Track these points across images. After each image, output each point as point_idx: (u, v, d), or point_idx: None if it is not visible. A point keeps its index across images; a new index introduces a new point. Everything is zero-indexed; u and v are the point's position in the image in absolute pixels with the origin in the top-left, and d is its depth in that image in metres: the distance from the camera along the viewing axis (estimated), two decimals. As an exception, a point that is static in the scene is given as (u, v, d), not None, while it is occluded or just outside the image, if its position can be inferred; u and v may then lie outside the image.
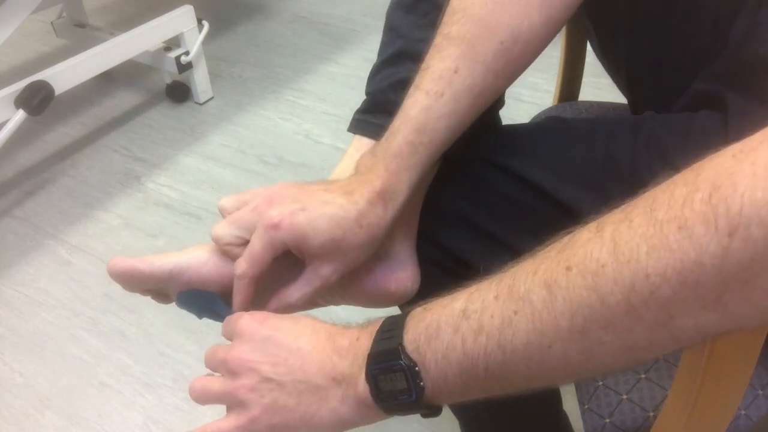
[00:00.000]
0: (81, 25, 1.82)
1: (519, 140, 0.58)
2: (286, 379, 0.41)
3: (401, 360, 0.38)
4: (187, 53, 1.69)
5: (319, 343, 0.42)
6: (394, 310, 0.64)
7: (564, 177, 0.52)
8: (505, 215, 0.54)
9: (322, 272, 0.48)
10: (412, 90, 0.49)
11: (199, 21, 1.70)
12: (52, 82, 1.40)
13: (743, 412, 0.52)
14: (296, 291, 0.49)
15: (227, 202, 0.51)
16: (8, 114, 1.36)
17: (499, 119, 0.58)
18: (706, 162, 0.31)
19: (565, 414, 0.79)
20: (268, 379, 0.42)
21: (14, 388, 1.10)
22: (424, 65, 0.49)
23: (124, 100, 1.85)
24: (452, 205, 0.55)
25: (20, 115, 1.36)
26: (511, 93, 0.62)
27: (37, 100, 1.37)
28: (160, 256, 0.51)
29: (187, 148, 1.65)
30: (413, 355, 0.38)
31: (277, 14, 2.28)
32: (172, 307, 0.56)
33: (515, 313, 0.34)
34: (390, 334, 0.40)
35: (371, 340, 0.40)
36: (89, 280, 1.29)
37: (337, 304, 0.56)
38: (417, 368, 0.37)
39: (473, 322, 0.35)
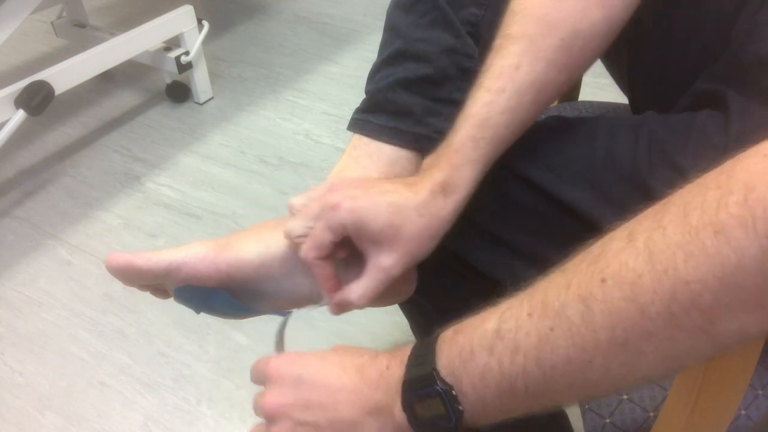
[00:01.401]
0: (81, 25, 1.82)
1: (521, 139, 0.58)
2: (321, 420, 0.41)
3: (437, 385, 0.37)
4: (187, 53, 1.69)
5: (349, 378, 0.42)
6: (395, 309, 0.64)
7: (565, 177, 0.52)
8: (505, 214, 0.54)
9: (384, 263, 0.47)
10: (473, 90, 0.49)
11: (199, 21, 1.70)
12: (52, 82, 1.40)
13: (743, 412, 0.52)
14: (358, 287, 0.48)
15: (297, 199, 0.51)
16: (8, 114, 1.36)
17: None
18: (735, 163, 0.30)
19: (565, 414, 0.79)
20: (303, 423, 0.42)
21: (14, 388, 1.10)
22: (484, 67, 0.49)
23: (124, 100, 1.85)
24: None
25: (20, 115, 1.36)
26: (511, 93, 0.62)
27: (37, 100, 1.37)
28: (158, 252, 0.51)
29: (187, 148, 1.65)
30: (449, 380, 0.37)
31: (277, 14, 2.27)
32: (173, 307, 0.56)
33: (552, 329, 0.33)
34: (422, 359, 0.39)
35: (402, 368, 0.40)
36: (89, 280, 1.29)
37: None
38: (454, 392, 0.37)
39: (508, 342, 0.35)
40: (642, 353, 0.31)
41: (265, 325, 1.09)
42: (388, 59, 0.56)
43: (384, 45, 0.57)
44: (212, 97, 1.83)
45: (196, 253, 0.51)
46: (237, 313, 0.55)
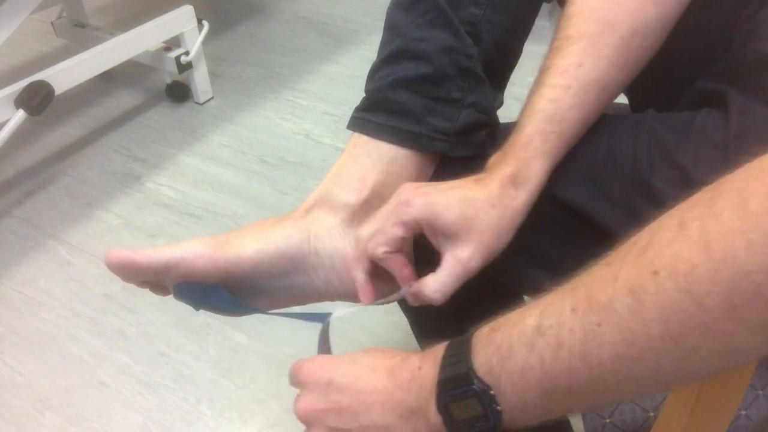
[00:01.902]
0: (81, 25, 1.82)
1: None
2: (353, 426, 0.41)
3: (474, 384, 0.36)
4: (187, 53, 1.69)
5: (380, 381, 0.41)
6: (395, 309, 0.64)
7: (565, 175, 0.52)
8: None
9: (461, 256, 0.46)
10: (534, 88, 0.49)
11: (199, 21, 1.70)
12: (52, 82, 1.40)
13: (743, 412, 0.52)
14: (434, 282, 0.47)
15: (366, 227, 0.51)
16: (8, 114, 1.36)
17: (496, 118, 0.58)
18: None
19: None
20: (335, 429, 0.41)
21: (14, 388, 1.10)
22: (543, 67, 0.50)
23: (124, 100, 1.85)
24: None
25: (20, 115, 1.36)
26: (511, 93, 0.62)
27: (37, 100, 1.37)
28: (157, 248, 0.52)
29: (187, 148, 1.65)
30: (486, 379, 0.36)
31: (277, 14, 2.27)
32: (173, 307, 0.56)
33: (598, 325, 0.32)
34: (457, 358, 0.38)
35: (436, 368, 0.39)
36: (89, 280, 1.29)
37: (332, 300, 0.57)
38: (492, 392, 0.35)
39: (550, 338, 0.33)
40: (696, 348, 0.29)
41: (265, 325, 1.09)
42: (387, 58, 0.56)
43: (384, 44, 0.57)
44: (212, 97, 1.83)
45: (194, 249, 0.52)
46: (236, 310, 0.55)
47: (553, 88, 0.48)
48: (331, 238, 0.53)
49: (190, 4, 1.66)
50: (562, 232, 0.51)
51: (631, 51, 0.49)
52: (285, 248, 0.52)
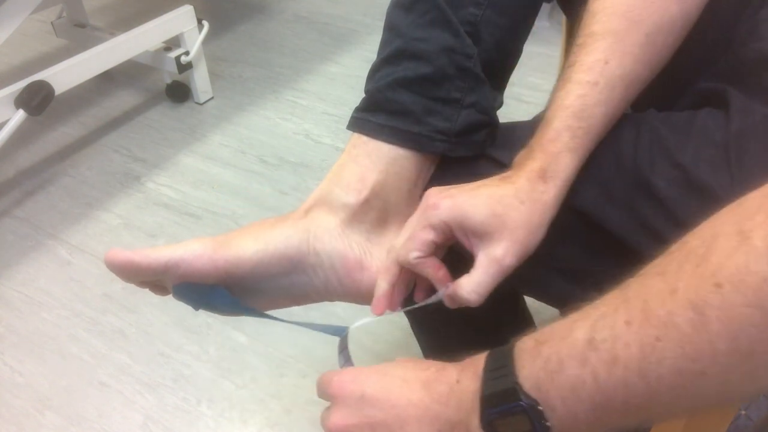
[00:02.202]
0: (81, 25, 1.82)
1: (521, 137, 0.58)
2: None
3: (521, 401, 0.35)
4: (187, 53, 1.69)
5: (414, 394, 0.40)
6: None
7: None
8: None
9: (495, 254, 0.45)
10: (560, 84, 0.49)
11: (199, 21, 1.70)
12: (52, 82, 1.40)
13: (743, 412, 0.52)
14: (469, 282, 0.46)
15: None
16: (8, 114, 1.36)
17: (496, 118, 0.58)
18: None
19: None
20: None
21: (14, 388, 1.10)
22: (568, 63, 0.50)
23: (124, 100, 1.85)
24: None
25: (20, 115, 1.36)
26: (511, 93, 0.62)
27: (37, 100, 1.37)
28: (156, 248, 0.51)
29: (187, 148, 1.65)
30: (533, 393, 0.35)
31: (277, 14, 2.27)
32: (173, 307, 0.56)
33: (658, 339, 0.30)
34: (500, 372, 0.36)
35: (476, 381, 0.37)
36: (89, 280, 1.29)
37: (331, 300, 0.57)
38: (540, 407, 0.34)
39: (604, 353, 0.32)
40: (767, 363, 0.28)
41: (265, 325, 1.09)
42: (387, 58, 0.56)
43: (383, 44, 0.57)
44: (212, 97, 1.83)
45: (194, 250, 0.52)
46: (236, 311, 0.55)
47: (579, 84, 0.48)
48: (330, 238, 0.53)
49: (190, 4, 1.66)
50: (563, 232, 0.51)
51: (655, 48, 0.49)
52: (284, 248, 0.52)
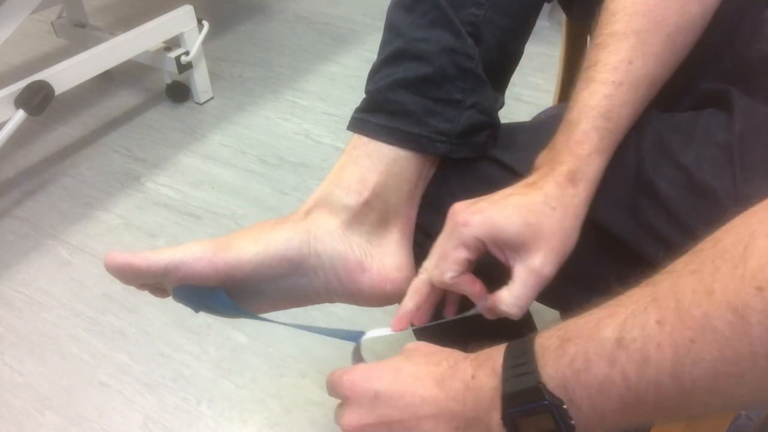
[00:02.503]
0: (81, 25, 1.82)
1: (523, 138, 0.58)
2: None
3: (546, 400, 0.34)
4: (187, 53, 1.69)
5: (428, 392, 0.39)
6: (395, 308, 0.64)
7: None
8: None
9: (533, 264, 0.44)
10: (583, 84, 0.48)
11: (199, 21, 1.70)
12: (52, 82, 1.40)
13: (743, 412, 0.52)
14: (508, 295, 0.44)
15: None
16: (8, 114, 1.36)
17: (497, 119, 0.58)
18: None
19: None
20: None
21: (14, 388, 1.10)
22: (589, 62, 0.49)
23: (124, 100, 1.85)
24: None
25: (20, 115, 1.36)
26: (511, 93, 0.62)
27: (37, 100, 1.37)
28: (156, 251, 0.51)
29: (187, 148, 1.65)
30: (558, 392, 0.34)
31: (277, 14, 2.27)
32: (172, 307, 0.56)
33: (693, 341, 0.30)
34: (522, 370, 0.36)
35: (494, 378, 0.37)
36: (89, 280, 1.29)
37: (332, 302, 0.56)
38: (565, 407, 0.34)
39: (634, 353, 0.32)
40: None
41: (265, 325, 1.09)
42: (388, 59, 0.56)
43: (384, 44, 0.57)
44: (212, 97, 1.83)
45: (194, 252, 0.51)
46: (235, 314, 0.55)
47: (605, 84, 0.47)
48: (331, 240, 0.53)
49: (190, 4, 1.66)
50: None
51: (675, 48, 0.49)
52: (285, 250, 0.52)
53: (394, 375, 0.41)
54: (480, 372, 0.38)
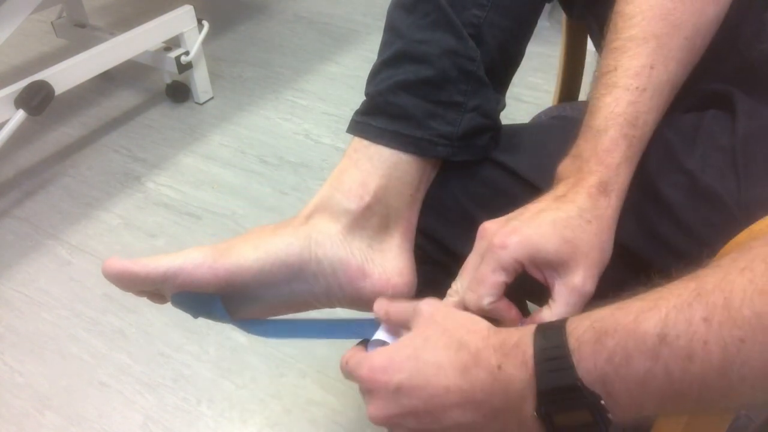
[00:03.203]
0: (81, 25, 1.82)
1: (525, 140, 0.57)
2: (436, 427, 0.39)
3: (585, 397, 0.34)
4: (187, 53, 1.69)
5: (451, 381, 0.38)
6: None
7: None
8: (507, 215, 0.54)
9: (574, 282, 0.43)
10: (605, 89, 0.47)
11: (199, 21, 1.70)
12: (52, 82, 1.40)
13: (743, 412, 0.52)
14: (552, 316, 0.43)
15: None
16: (8, 114, 1.36)
17: (499, 122, 0.58)
18: None
19: None
20: (419, 430, 0.39)
21: (14, 388, 1.10)
22: (608, 68, 0.48)
23: (124, 100, 1.85)
24: (456, 205, 0.55)
25: (20, 115, 1.36)
26: (511, 93, 0.62)
27: (37, 100, 1.37)
28: (155, 257, 0.51)
29: (187, 148, 1.65)
30: (596, 387, 0.34)
31: (277, 14, 2.27)
32: (172, 308, 0.56)
33: (742, 341, 0.29)
34: (557, 365, 0.35)
35: (524, 370, 0.36)
36: (89, 280, 1.29)
37: (333, 307, 0.56)
38: (602, 401, 0.33)
39: (679, 349, 0.31)
40: None
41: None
42: (388, 61, 0.55)
43: (384, 46, 0.57)
44: (212, 97, 1.83)
45: (193, 259, 0.51)
46: (230, 322, 0.55)
47: (628, 90, 0.46)
48: (332, 245, 0.53)
49: (190, 4, 1.66)
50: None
51: (694, 50, 0.49)
52: (285, 256, 0.52)
53: (414, 364, 0.40)
54: (507, 362, 0.37)
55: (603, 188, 0.44)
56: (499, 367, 0.37)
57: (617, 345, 0.33)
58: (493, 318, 0.45)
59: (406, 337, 0.42)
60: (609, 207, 0.44)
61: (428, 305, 0.44)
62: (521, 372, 0.36)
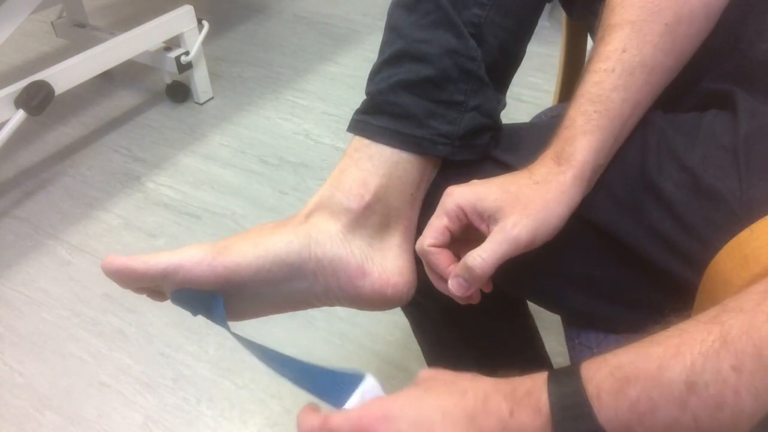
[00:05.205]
0: (81, 25, 1.82)
1: (525, 140, 0.57)
2: None
3: None
4: (187, 53, 1.69)
5: (459, 428, 0.36)
6: (396, 309, 0.64)
7: None
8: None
9: (506, 225, 0.44)
10: (580, 77, 0.50)
11: (199, 21, 1.70)
12: (52, 82, 1.40)
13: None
14: (476, 250, 0.44)
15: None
16: (8, 114, 1.36)
17: (500, 121, 0.58)
18: None
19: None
20: None
21: (14, 388, 1.10)
22: (588, 58, 0.50)
23: (124, 100, 1.85)
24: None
25: (20, 115, 1.36)
26: (511, 93, 0.62)
27: (37, 100, 1.37)
28: (155, 255, 0.50)
29: (187, 148, 1.65)
30: None
31: (277, 14, 2.27)
32: (173, 307, 0.56)
33: None
34: (576, 412, 0.34)
35: (539, 418, 0.34)
36: (89, 280, 1.29)
37: (332, 306, 0.56)
38: None
39: (708, 398, 0.30)
40: None
41: (265, 324, 1.09)
42: (388, 60, 0.55)
43: (385, 45, 0.57)
44: (212, 97, 1.83)
45: (193, 256, 0.51)
46: (223, 325, 0.55)
47: (596, 72, 0.48)
48: (332, 244, 0.53)
49: (190, 4, 1.66)
50: (571, 238, 0.50)
51: (677, 37, 0.49)
52: (285, 255, 0.52)
53: (416, 411, 0.37)
54: (520, 410, 0.35)
55: (557, 157, 0.47)
56: (511, 414, 0.35)
57: (641, 393, 0.32)
58: (433, 268, 0.48)
59: (404, 390, 0.40)
60: (561, 173, 0.46)
61: (428, 371, 0.42)
62: (536, 420, 0.35)
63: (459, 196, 0.47)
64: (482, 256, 0.45)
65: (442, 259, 0.48)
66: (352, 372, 0.43)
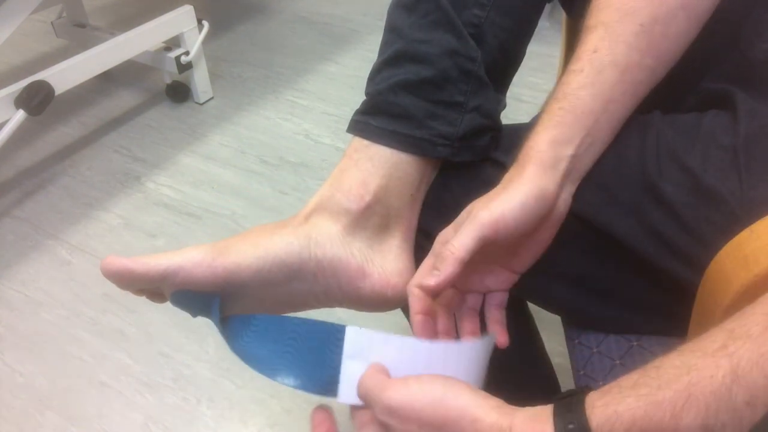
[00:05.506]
0: (81, 25, 1.82)
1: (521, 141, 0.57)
2: None
3: None
4: (187, 53, 1.69)
5: None
6: (396, 310, 0.64)
7: None
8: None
9: (479, 210, 0.46)
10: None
11: (199, 21, 1.70)
12: (52, 82, 1.40)
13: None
14: (460, 237, 0.45)
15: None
16: (8, 114, 1.36)
17: (500, 122, 0.58)
18: None
19: None
20: None
21: (14, 388, 1.10)
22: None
23: (124, 100, 1.85)
24: (456, 205, 0.55)
25: (20, 115, 1.36)
26: (511, 93, 0.62)
27: (37, 100, 1.37)
28: (154, 256, 0.50)
29: (187, 148, 1.65)
30: None
31: (277, 14, 2.27)
32: (173, 307, 0.56)
33: None
34: None
35: None
36: (89, 280, 1.29)
37: (332, 307, 0.56)
38: None
39: None
40: None
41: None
42: (388, 60, 0.55)
43: (385, 45, 0.57)
44: (212, 97, 1.83)
45: (192, 257, 0.50)
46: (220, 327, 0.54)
47: (566, 74, 0.49)
48: (332, 245, 0.52)
49: (190, 4, 1.66)
50: (566, 237, 0.50)
51: (653, 37, 0.49)
52: (285, 256, 0.51)
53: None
54: None
55: (521, 159, 0.48)
56: None
57: None
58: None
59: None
60: (521, 167, 0.47)
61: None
62: None
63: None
64: (464, 245, 0.45)
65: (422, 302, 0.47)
66: (331, 326, 0.45)
